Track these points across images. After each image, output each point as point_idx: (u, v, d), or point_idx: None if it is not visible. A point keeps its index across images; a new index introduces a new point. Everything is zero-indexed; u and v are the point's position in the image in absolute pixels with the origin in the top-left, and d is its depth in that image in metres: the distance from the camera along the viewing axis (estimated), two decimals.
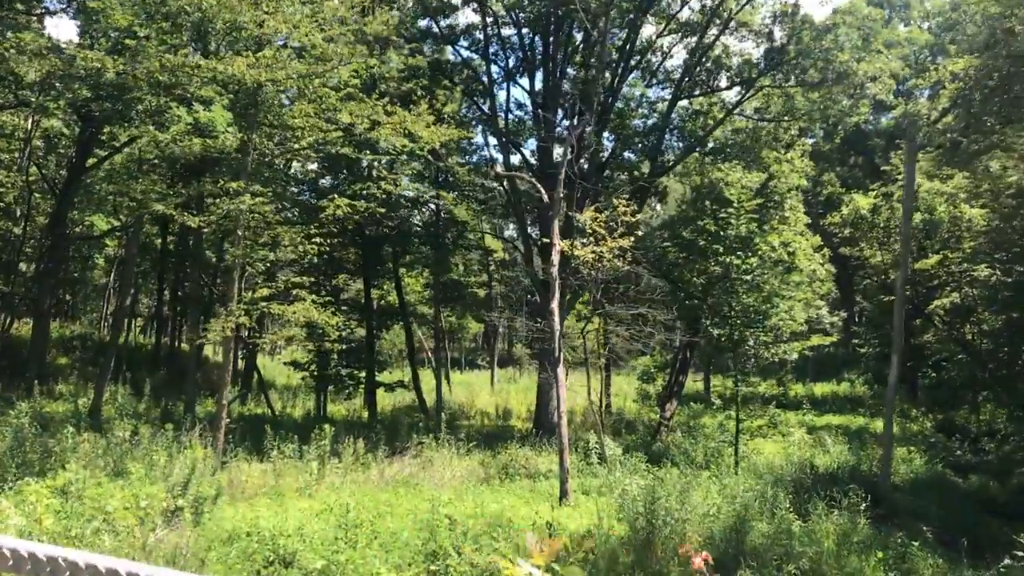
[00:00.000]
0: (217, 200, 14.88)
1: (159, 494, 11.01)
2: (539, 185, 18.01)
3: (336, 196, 16.83)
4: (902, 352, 32.30)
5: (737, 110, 24.89)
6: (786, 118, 24.95)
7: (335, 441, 17.68)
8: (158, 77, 15.67)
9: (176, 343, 39.29)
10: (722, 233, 21.86)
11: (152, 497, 10.64)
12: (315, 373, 27.10)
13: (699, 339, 22.38)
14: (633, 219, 19.52)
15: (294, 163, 20.48)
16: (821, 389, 44.45)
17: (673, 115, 25.50)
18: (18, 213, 38.18)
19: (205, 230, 14.99)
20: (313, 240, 15.21)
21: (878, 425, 31.72)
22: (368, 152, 17.14)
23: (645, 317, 20.48)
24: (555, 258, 17.32)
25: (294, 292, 15.69)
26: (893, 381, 17.33)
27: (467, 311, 34.81)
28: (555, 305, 17.08)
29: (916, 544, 13.03)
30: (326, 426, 16.42)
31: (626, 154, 27.63)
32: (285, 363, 29.42)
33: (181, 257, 37.49)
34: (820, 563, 12.30)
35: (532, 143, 28.78)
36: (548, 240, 18.44)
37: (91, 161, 31.27)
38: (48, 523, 9.22)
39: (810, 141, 29.77)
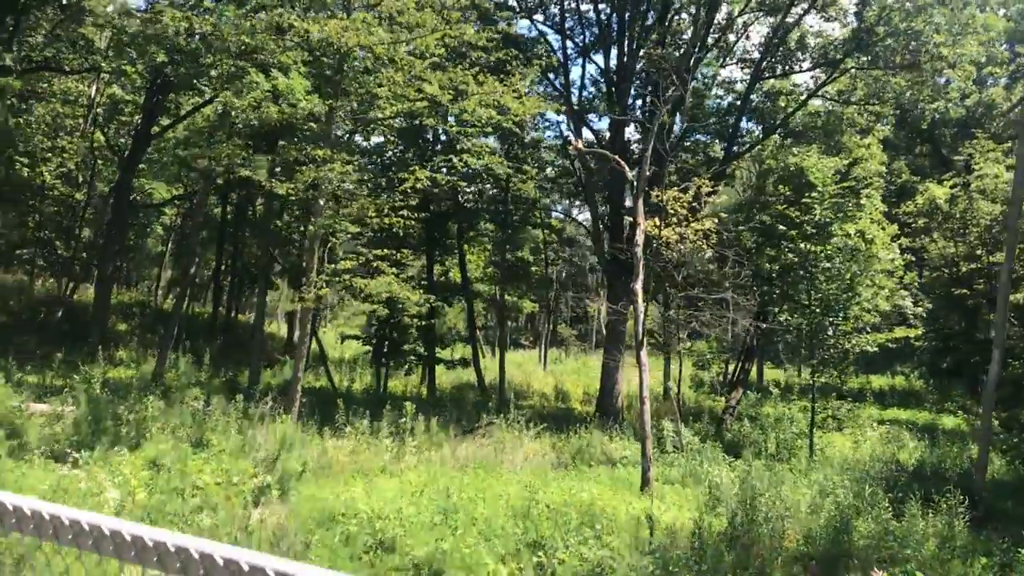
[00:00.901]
0: (304, 168, 14.46)
1: (248, 469, 10.68)
2: (622, 162, 17.35)
3: (416, 168, 16.33)
4: (967, 347, 31.41)
5: (820, 92, 23.96)
6: (873, 101, 23.99)
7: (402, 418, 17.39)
8: (244, 39, 15.27)
9: (233, 313, 39.30)
10: (802, 218, 21.11)
11: (243, 472, 10.31)
12: (378, 347, 26.80)
13: (773, 326, 21.62)
14: (717, 200, 18.87)
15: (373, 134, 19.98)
16: (877, 382, 43.35)
17: (751, 96, 24.66)
18: (80, 179, 38.41)
19: (292, 198, 14.59)
20: (400, 212, 14.78)
21: (945, 421, 30.79)
22: (453, 124, 16.63)
23: (726, 302, 19.80)
24: (639, 238, 16.71)
25: (374, 265, 15.23)
26: (993, 378, 16.50)
27: (529, 290, 34.28)
28: (638, 286, 16.49)
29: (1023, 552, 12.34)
30: (407, 403, 16.04)
31: (697, 136, 26.87)
32: (347, 336, 29.12)
33: (239, 227, 37.42)
34: (924, 567, 11.67)
35: (602, 121, 28.05)
36: (629, 219, 17.87)
37: (156, 128, 31.27)
38: (141, 497, 8.91)
39: (885, 128, 28.67)
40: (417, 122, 16.10)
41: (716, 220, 18.36)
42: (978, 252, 31.81)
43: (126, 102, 34.24)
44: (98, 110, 36.28)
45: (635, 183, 17.36)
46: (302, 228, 27.31)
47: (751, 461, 18.63)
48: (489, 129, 17.31)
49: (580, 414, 27.16)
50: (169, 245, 46.23)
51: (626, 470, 17.09)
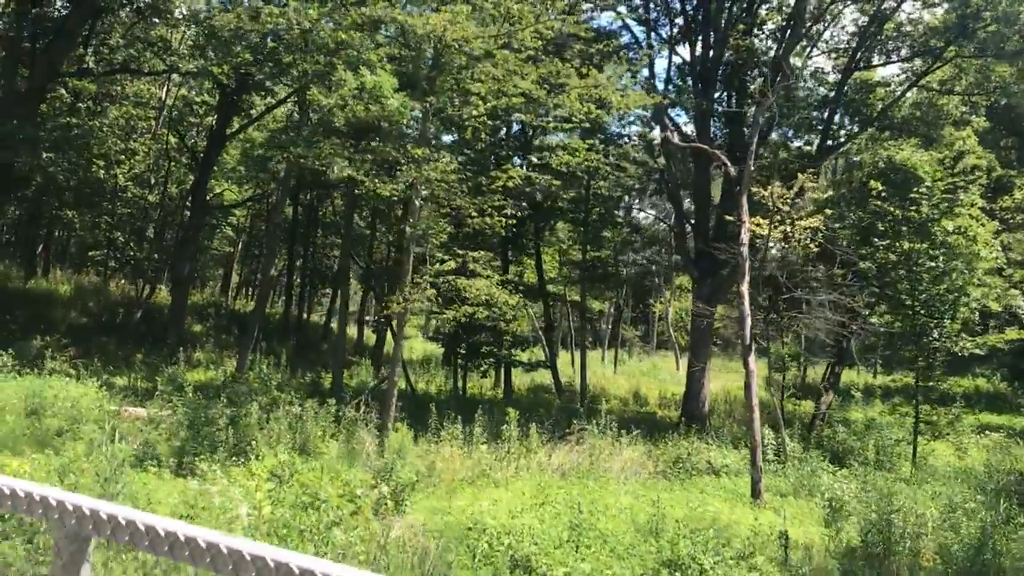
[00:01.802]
0: (403, 167, 14.02)
1: (366, 479, 10.24)
2: (724, 158, 16.64)
3: (511, 166, 15.81)
4: None
5: (921, 82, 22.86)
6: (978, 91, 22.87)
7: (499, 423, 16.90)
8: (340, 35, 14.90)
9: (305, 314, 39.31)
10: (906, 215, 20.16)
11: (363, 483, 9.86)
12: (449, 348, 26.37)
13: (876, 328, 20.66)
14: (823, 196, 18.04)
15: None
16: (959, 384, 41.72)
17: (844, 87, 23.67)
18: (152, 181, 38.71)
19: (395, 198, 14.17)
20: (504, 212, 14.27)
21: None
22: (550, 120, 16.05)
23: (836, 304, 18.95)
24: (744, 237, 16.00)
25: (470, 268, 14.74)
26: None
27: (608, 291, 33.60)
28: (744, 288, 15.77)
29: None
30: (510, 409, 15.53)
31: (784, 130, 25.95)
32: (429, 337, 28.80)
33: (310, 228, 37.39)
34: None
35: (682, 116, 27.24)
36: (728, 216, 17.16)
37: (231, 129, 31.30)
38: (267, 511, 8.48)
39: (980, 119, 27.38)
40: (500, 121, 15.47)
41: (822, 217, 17.49)
42: None
43: (200, 103, 34.34)
44: (172, 112, 36.54)
45: (739, 179, 16.61)
46: (383, 229, 27.00)
47: (858, 471, 17.83)
48: (586, 125, 16.67)
49: (663, 419, 26.42)
50: (239, 246, 46.46)
51: (731, 480, 16.38)
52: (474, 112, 15.51)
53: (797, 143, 27.10)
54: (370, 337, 38.99)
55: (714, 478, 16.53)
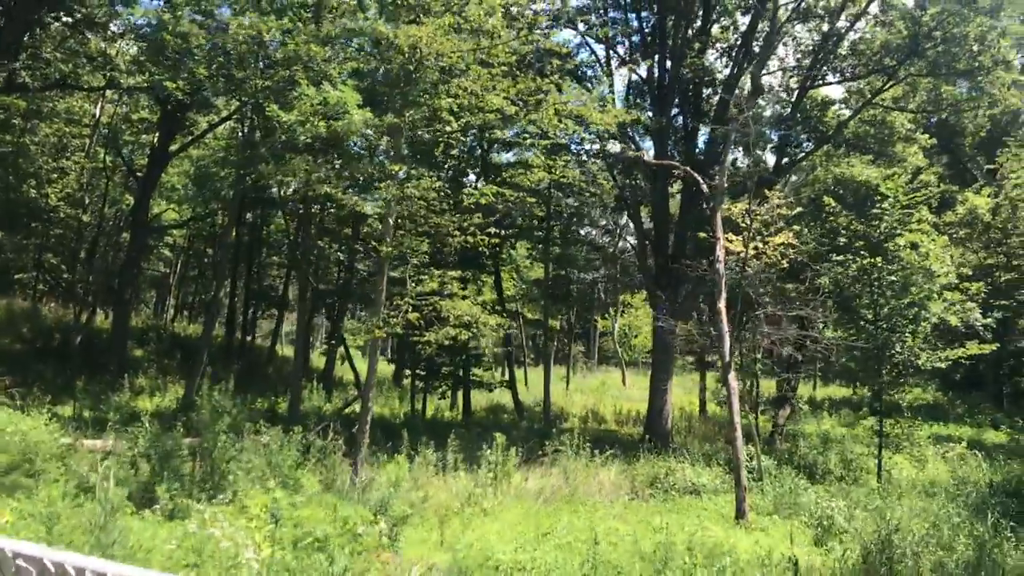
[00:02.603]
0: (382, 184, 13.51)
1: (364, 514, 9.70)
2: (697, 175, 16.53)
3: (481, 184, 15.44)
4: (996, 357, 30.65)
5: (875, 100, 23.18)
6: (930, 108, 23.33)
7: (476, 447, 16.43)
8: (303, 48, 14.39)
9: (250, 338, 38.20)
10: (865, 231, 20.39)
11: (361, 519, 9.33)
12: (399, 368, 25.78)
13: (841, 343, 20.75)
14: (791, 212, 18.09)
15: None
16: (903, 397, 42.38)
17: (800, 105, 23.94)
18: (86, 200, 37.18)
19: (373, 215, 13.62)
20: (487, 231, 13.87)
21: (990, 435, 30.01)
22: (527, 136, 15.71)
23: (805, 320, 18.99)
24: (719, 253, 15.87)
25: (448, 288, 14.29)
26: None
27: (571, 309, 33.38)
28: (722, 305, 15.62)
29: None
30: (497, 434, 15.09)
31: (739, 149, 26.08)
32: (388, 360, 28.15)
33: (254, 249, 36.38)
34: None
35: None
36: (705, 235, 17.04)
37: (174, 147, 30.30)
38: (267, 554, 7.91)
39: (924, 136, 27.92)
40: (486, 136, 15.11)
41: (792, 234, 17.53)
42: (1015, 262, 31.28)
43: (138, 120, 33.18)
44: (108, 130, 35.22)
45: (711, 196, 16.52)
46: (334, 247, 26.31)
47: (832, 487, 17.80)
48: (563, 141, 16.36)
49: (625, 436, 26.18)
50: (177, 267, 45.05)
51: (711, 500, 16.16)
52: (447, 128, 15.11)
53: (746, 161, 27.30)
54: (318, 360, 38.11)
55: (694, 498, 16.30)
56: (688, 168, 16.76)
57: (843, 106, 24.33)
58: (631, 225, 27.49)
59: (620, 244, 32.57)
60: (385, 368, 43.67)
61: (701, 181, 16.84)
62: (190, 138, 31.73)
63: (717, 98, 24.66)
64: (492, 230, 14.14)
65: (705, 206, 17.18)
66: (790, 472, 18.17)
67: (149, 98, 32.20)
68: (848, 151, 23.93)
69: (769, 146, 24.85)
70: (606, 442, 22.76)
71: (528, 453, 18.62)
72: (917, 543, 11.80)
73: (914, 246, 21.34)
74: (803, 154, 24.22)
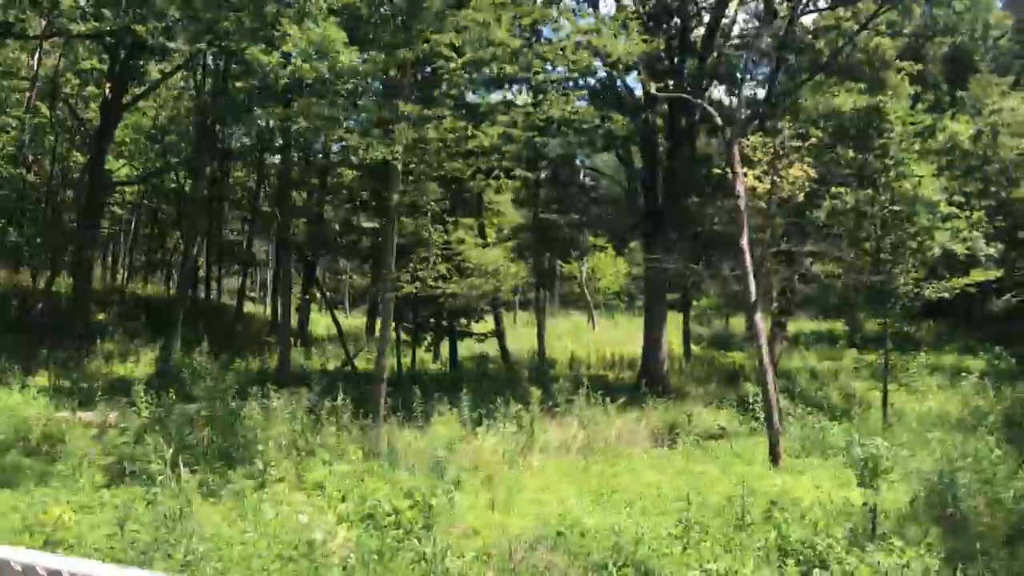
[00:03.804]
0: (399, 127, 12.46)
1: (426, 483, 8.93)
2: (711, 109, 15.78)
3: (490, 124, 14.50)
4: None
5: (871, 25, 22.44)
6: (928, 33, 22.79)
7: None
8: None
9: (216, 296, 36.81)
10: (868, 160, 19.96)
11: (422, 487, 8.56)
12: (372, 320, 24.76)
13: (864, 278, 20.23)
14: (804, 144, 17.46)
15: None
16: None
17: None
18: (29, 158, 35.02)
19: (394, 161, 12.57)
20: (512, 174, 12.96)
21: (970, 363, 30.13)
22: (540, 71, 14.64)
23: (795, 254, 18.52)
24: (740, 189, 15.22)
25: (463, 237, 13.41)
26: None
27: (565, 251, 32.53)
28: (745, 242, 15.03)
29: None
30: (533, 389, 14.36)
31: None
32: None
33: (214, 202, 34.72)
34: None
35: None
36: (720, 170, 16.37)
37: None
38: (343, 535, 7.14)
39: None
40: (496, 71, 14.06)
41: (807, 166, 16.94)
42: (992, 189, 31.24)
43: (88, 70, 31.16)
44: (53, 82, 33.05)
45: (726, 129, 15.78)
46: (306, 197, 25.08)
47: (844, 424, 17.47)
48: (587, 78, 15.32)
49: (617, 381, 25.67)
50: (132, 226, 43.15)
51: (736, 444, 15.70)
52: (451, 66, 14.07)
53: (730, 98, 26.56)
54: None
55: (718, 443, 15.84)
56: (700, 101, 15.95)
57: (834, 32, 23.50)
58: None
59: (606, 184, 31.70)
60: (356, 321, 42.57)
61: (715, 115, 16.09)
62: (142, 89, 29.92)
63: (703, 30, 23.78)
64: (517, 172, 13.25)
65: (721, 139, 16.42)
66: (798, 410, 17.83)
67: (95, 47, 30.28)
68: (841, 80, 23.26)
69: (757, 78, 24.11)
70: (602, 388, 22.27)
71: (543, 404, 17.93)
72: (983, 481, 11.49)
73: (904, 175, 20.98)
74: (795, 85, 23.46)
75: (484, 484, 10.74)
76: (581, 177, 30.31)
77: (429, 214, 13.89)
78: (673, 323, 35.61)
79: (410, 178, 13.37)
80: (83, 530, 5.92)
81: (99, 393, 15.65)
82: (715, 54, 23.49)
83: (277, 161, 33.07)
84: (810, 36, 23.59)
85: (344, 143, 12.96)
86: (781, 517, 8.79)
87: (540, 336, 25.06)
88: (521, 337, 34.68)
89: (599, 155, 30.43)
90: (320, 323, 41.28)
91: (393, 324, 25.95)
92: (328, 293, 39.94)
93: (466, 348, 30.09)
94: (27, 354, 22.57)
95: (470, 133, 14.02)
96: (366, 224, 27.28)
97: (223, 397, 13.32)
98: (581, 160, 28.00)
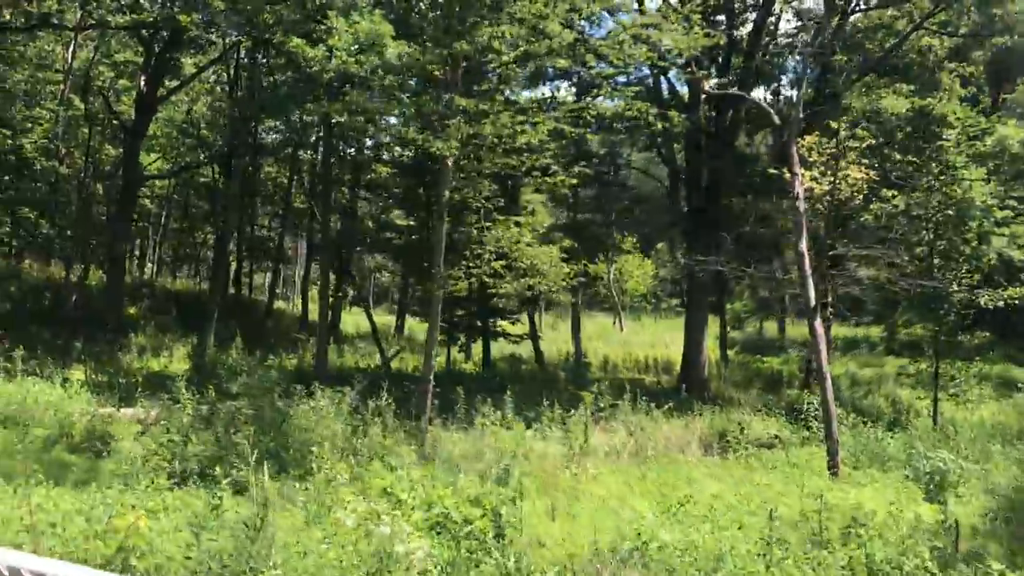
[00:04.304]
0: (453, 122, 12.09)
1: (499, 490, 8.57)
2: (766, 106, 15.33)
3: (539, 120, 14.11)
4: None
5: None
6: (983, 33, 22.16)
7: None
8: None
9: (247, 292, 36.67)
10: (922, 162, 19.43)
11: (499, 496, 8.19)
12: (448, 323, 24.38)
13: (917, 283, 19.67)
14: (861, 145, 16.99)
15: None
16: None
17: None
18: (62, 151, 34.94)
19: (449, 158, 12.20)
20: (571, 171, 12.57)
21: (1016, 373, 29.33)
22: (593, 65, 14.26)
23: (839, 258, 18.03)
24: (799, 190, 14.72)
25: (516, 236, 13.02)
26: None
27: (596, 251, 32.09)
28: (804, 246, 14.55)
29: None
30: (585, 393, 13.95)
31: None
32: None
33: (243, 199, 34.54)
34: None
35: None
36: (775, 171, 15.89)
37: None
38: (421, 544, 6.76)
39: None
40: (550, 66, 13.69)
41: (864, 167, 16.47)
42: None
43: (125, 63, 31.04)
44: (88, 74, 32.96)
45: (788, 127, 15.32)
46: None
47: (903, 436, 16.92)
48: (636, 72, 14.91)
49: (655, 385, 25.15)
50: (162, 220, 43.07)
51: (788, 454, 15.21)
52: (503, 59, 13.71)
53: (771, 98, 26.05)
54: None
55: (771, 452, 15.36)
56: (755, 99, 15.50)
57: (883, 31, 22.90)
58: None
59: (647, 183, 31.18)
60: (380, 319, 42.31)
61: (771, 112, 15.64)
62: (176, 83, 29.74)
63: (750, 27, 23.28)
64: (578, 168, 12.86)
65: (780, 138, 15.96)
66: (849, 418, 17.31)
67: (130, 39, 30.14)
68: (890, 81, 22.68)
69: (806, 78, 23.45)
70: (642, 392, 21.80)
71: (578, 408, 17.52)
72: None
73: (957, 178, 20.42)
74: (845, 85, 22.87)
75: (540, 491, 10.36)
76: (621, 176, 29.80)
77: (481, 211, 13.47)
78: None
79: (460, 175, 12.95)
80: (153, 537, 5.59)
81: (139, 389, 15.42)
82: (761, 53, 23.01)
83: (311, 156, 33.02)
84: (859, 35, 23.03)
85: (395, 137, 12.55)
86: (865, 534, 8.31)
87: (576, 338, 24.64)
88: (548, 338, 34.30)
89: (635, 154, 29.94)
90: (347, 321, 41.07)
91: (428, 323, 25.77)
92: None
93: (496, 349, 29.74)
94: (62, 348, 22.45)
95: (521, 129, 13.65)
96: (399, 222, 27.07)
97: (268, 395, 13.04)
98: (623, 158, 27.52)
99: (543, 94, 20.94)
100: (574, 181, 14.01)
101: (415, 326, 41.11)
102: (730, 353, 33.78)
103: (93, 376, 18.65)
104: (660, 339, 42.13)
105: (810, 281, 14.48)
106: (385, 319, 43.35)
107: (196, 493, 7.74)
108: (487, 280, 12.63)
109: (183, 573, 5.10)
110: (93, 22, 24.84)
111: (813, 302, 14.38)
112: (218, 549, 5.31)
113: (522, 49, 13.70)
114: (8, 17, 22.23)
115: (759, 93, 27.72)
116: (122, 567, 5.23)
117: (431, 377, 13.50)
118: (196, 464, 10.28)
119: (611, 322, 51.53)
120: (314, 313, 37.67)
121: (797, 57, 24.26)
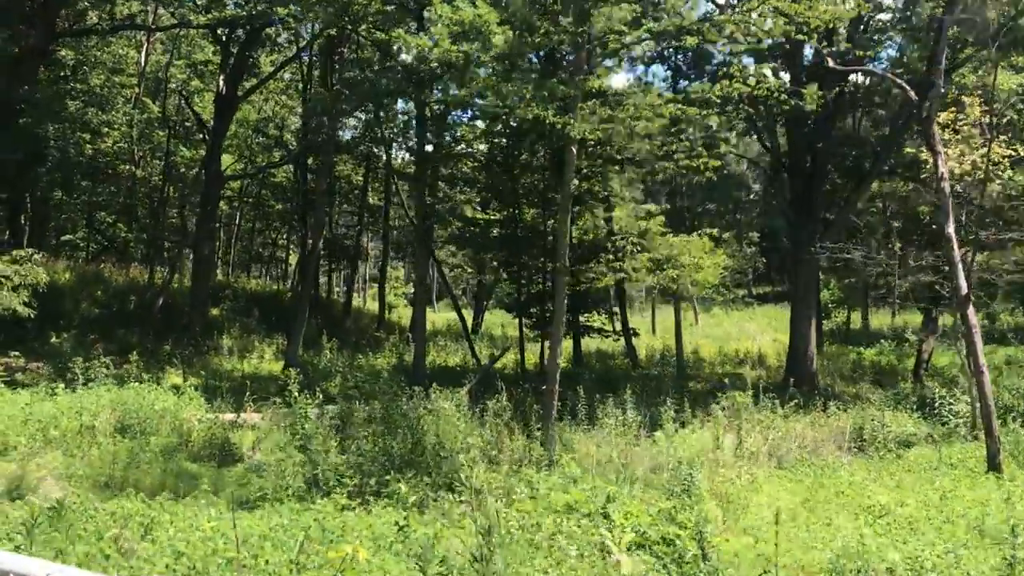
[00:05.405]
0: (586, 104, 11.33)
1: (678, 502, 7.79)
2: (901, 82, 14.27)
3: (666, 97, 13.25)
4: None
5: None
6: None
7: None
8: None
9: (327, 291, 36.40)
10: None
11: (685, 511, 7.41)
12: (538, 318, 23.63)
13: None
14: (1003, 119, 15.84)
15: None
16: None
17: None
18: (137, 154, 34.91)
19: (573, 144, 11.44)
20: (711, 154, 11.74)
21: None
22: (725, 43, 13.35)
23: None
24: (943, 170, 13.64)
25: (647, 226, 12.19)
26: None
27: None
28: (951, 230, 13.51)
29: None
30: (736, 393, 13.12)
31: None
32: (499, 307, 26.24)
33: (328, 196, 34.25)
34: None
35: None
36: (912, 150, 14.84)
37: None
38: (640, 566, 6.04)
39: None
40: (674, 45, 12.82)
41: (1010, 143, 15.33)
42: None
43: (203, 63, 30.87)
44: (167, 76, 32.92)
45: (926, 105, 14.27)
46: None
47: None
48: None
49: (758, 380, 24.01)
50: (238, 221, 43.06)
51: (937, 452, 14.15)
52: (624, 39, 12.89)
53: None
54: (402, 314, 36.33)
55: (918, 450, 14.33)
56: (887, 74, 14.46)
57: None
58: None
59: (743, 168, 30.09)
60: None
61: (906, 88, 14.58)
62: (254, 81, 29.44)
63: None
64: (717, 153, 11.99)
65: (919, 116, 14.90)
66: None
67: (207, 38, 29.95)
68: (1005, 55, 21.22)
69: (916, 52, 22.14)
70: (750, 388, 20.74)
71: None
72: None
73: None
74: (964, 57, 21.44)
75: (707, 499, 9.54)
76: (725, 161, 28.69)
77: (611, 201, 12.68)
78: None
79: (583, 164, 12.17)
80: (372, 570, 4.92)
81: (248, 394, 14.92)
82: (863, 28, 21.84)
83: (391, 153, 32.52)
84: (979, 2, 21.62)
85: (531, 117, 11.72)
86: None
87: (678, 334, 23.61)
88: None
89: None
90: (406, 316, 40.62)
91: (517, 320, 25.08)
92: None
93: (584, 345, 28.90)
94: (153, 352, 22.24)
95: (658, 112, 12.78)
96: (479, 216, 26.40)
97: (393, 397, 12.47)
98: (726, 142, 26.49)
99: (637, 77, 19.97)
100: (717, 163, 13.03)
101: (489, 320, 40.71)
102: (828, 345, 32.48)
103: (190, 380, 18.26)
104: (742, 331, 40.89)
105: (960, 268, 13.44)
106: (447, 316, 42.82)
107: (385, 514, 7.07)
108: (628, 272, 11.74)
109: None
110: (175, 22, 24.61)
111: (965, 290, 13.32)
112: None
113: (648, 26, 12.88)
114: (95, 20, 22.05)
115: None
116: None
117: (557, 376, 12.73)
118: (332, 474, 9.66)
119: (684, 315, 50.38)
120: (394, 312, 37.49)
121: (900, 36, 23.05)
